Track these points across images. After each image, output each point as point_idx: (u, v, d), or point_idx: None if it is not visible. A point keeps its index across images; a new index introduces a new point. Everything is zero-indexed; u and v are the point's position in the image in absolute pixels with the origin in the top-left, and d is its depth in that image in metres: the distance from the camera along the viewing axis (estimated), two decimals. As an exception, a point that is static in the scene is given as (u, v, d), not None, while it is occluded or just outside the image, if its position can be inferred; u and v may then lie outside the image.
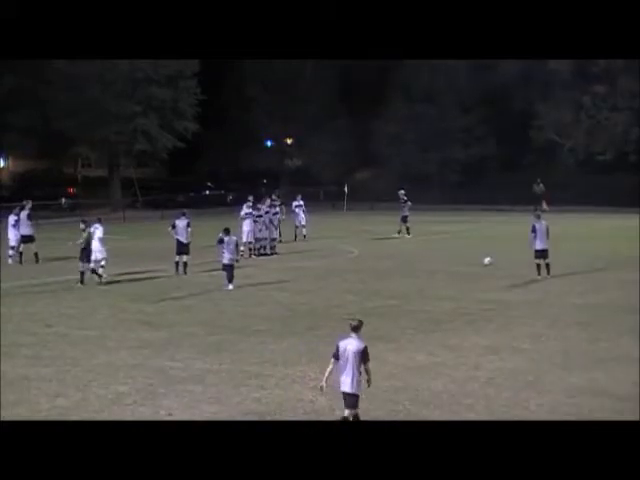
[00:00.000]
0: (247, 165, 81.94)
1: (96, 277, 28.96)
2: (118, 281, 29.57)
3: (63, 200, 66.53)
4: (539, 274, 28.73)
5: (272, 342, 19.57)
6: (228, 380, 16.29)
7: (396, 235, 44.22)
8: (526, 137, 69.49)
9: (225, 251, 27.26)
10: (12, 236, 35.69)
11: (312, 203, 63.86)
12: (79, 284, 28.43)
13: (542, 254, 28.86)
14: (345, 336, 12.91)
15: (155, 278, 30.22)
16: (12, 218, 36.02)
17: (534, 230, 29.07)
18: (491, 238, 43.52)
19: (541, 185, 63.87)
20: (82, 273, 28.73)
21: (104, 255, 29.72)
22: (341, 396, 12.80)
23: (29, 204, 36.60)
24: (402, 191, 46.16)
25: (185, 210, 33.54)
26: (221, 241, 27.45)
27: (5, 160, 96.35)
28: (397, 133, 75.55)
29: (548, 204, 61.55)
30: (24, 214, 35.78)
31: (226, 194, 72.80)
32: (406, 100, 74.39)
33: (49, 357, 18.24)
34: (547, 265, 28.84)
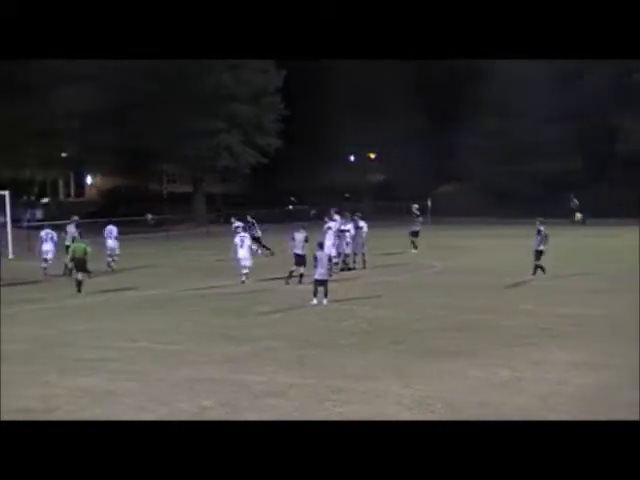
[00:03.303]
0: (329, 180, 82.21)
1: (243, 279, 32.32)
2: (203, 295, 29.84)
3: (149, 216, 67.45)
4: (534, 274, 32.51)
5: (355, 356, 19.52)
6: (312, 394, 16.27)
7: (414, 250, 44.01)
8: (611, 150, 68.51)
9: (318, 266, 27.33)
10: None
11: (395, 217, 63.96)
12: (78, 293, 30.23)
13: (539, 255, 32.68)
14: None
15: (239, 292, 30.40)
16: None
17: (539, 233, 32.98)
18: (576, 250, 42.99)
19: (575, 200, 65.85)
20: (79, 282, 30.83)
21: (250, 263, 32.53)
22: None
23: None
24: (415, 205, 46.65)
25: (305, 224, 35.47)
26: (315, 257, 27.57)
27: (93, 177, 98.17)
28: (480, 147, 75.10)
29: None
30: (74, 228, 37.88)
31: (309, 209, 73.10)
32: (489, 114, 73.95)
33: (134, 371, 18.42)
34: (541, 267, 32.62)
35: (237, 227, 40.12)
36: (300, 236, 32.21)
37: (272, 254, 44.38)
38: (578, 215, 66.46)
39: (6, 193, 49.76)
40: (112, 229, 40.84)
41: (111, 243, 40.38)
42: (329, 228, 36.49)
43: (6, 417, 14.46)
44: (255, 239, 44.22)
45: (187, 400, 15.98)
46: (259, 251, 44.76)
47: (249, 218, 46.32)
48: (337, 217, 37.70)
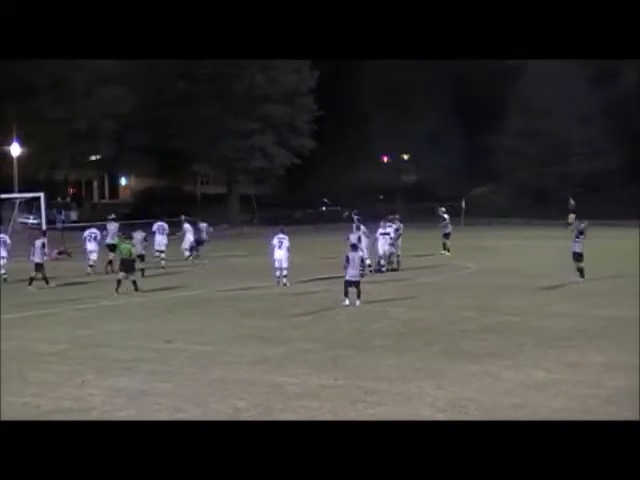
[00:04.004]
0: (363, 181, 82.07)
1: (283, 284, 31.88)
2: (237, 297, 29.92)
3: (183, 217, 67.62)
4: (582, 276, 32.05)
5: (388, 358, 19.50)
6: (344, 396, 16.26)
7: (447, 253, 43.78)
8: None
9: (349, 267, 27.27)
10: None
11: (429, 219, 63.78)
12: (115, 293, 30.30)
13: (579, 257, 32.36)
14: None
15: (273, 294, 30.45)
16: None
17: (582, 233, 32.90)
18: (615, 254, 42.73)
19: (571, 201, 65.99)
20: (119, 282, 30.78)
21: (287, 265, 32.10)
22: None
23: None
24: (442, 209, 46.40)
25: (360, 225, 35.58)
26: (347, 258, 27.50)
27: (127, 178, 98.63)
28: (514, 148, 74.76)
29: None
30: (114, 226, 39.73)
31: (342, 210, 73.00)
32: (523, 114, 73.57)
33: (168, 372, 18.49)
34: (580, 270, 32.15)
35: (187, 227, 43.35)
36: (354, 237, 32.23)
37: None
38: (571, 217, 65.57)
39: (41, 195, 50.13)
40: (164, 225, 42.18)
41: (161, 238, 41.93)
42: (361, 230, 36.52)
43: (42, 418, 14.59)
44: (198, 242, 44.14)
45: (221, 401, 16.02)
46: (199, 260, 43.00)
47: (199, 221, 46.67)
48: (357, 217, 37.42)
